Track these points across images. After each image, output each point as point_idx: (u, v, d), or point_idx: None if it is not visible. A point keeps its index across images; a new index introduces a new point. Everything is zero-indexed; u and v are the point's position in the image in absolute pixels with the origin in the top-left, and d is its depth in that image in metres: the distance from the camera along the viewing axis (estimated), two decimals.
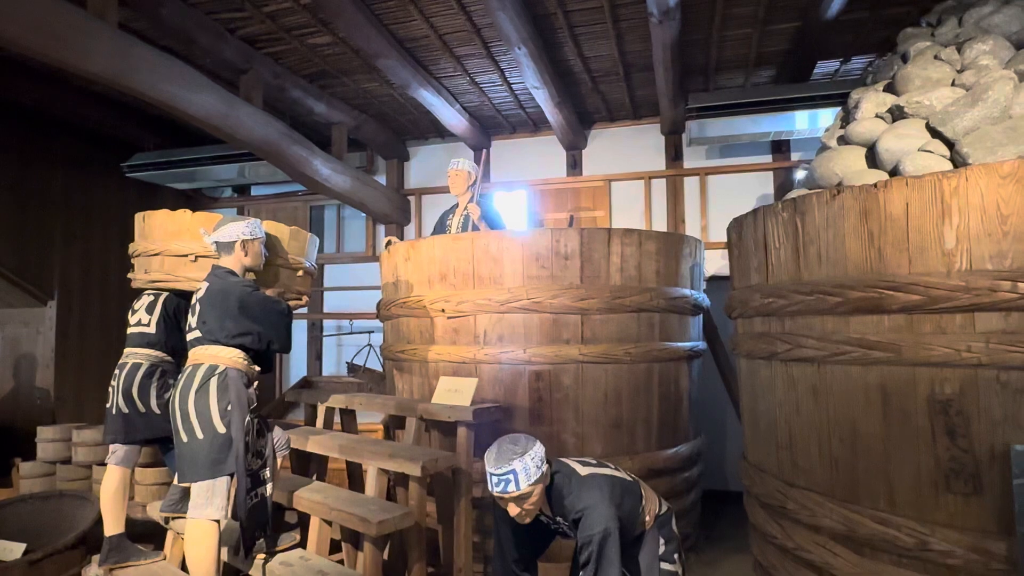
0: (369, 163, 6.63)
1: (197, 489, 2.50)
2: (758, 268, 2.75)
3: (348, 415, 3.85)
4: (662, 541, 2.26)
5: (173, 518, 3.06)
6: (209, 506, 2.49)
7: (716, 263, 5.44)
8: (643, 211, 5.84)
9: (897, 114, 2.65)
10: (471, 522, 3.09)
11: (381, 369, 5.48)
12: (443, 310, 3.59)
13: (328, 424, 3.82)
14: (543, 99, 4.88)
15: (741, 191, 5.62)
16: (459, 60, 4.66)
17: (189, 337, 2.71)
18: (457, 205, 4.34)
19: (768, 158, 5.64)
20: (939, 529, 2.02)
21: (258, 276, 2.90)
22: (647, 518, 2.20)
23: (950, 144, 2.38)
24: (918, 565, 2.08)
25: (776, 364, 2.63)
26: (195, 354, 2.64)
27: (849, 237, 2.28)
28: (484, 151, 4.73)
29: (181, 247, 2.96)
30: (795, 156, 5.53)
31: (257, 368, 2.73)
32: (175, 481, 2.97)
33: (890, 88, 2.86)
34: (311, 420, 3.96)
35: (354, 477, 3.82)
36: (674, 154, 5.84)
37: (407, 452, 2.93)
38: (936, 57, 2.71)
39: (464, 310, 3.52)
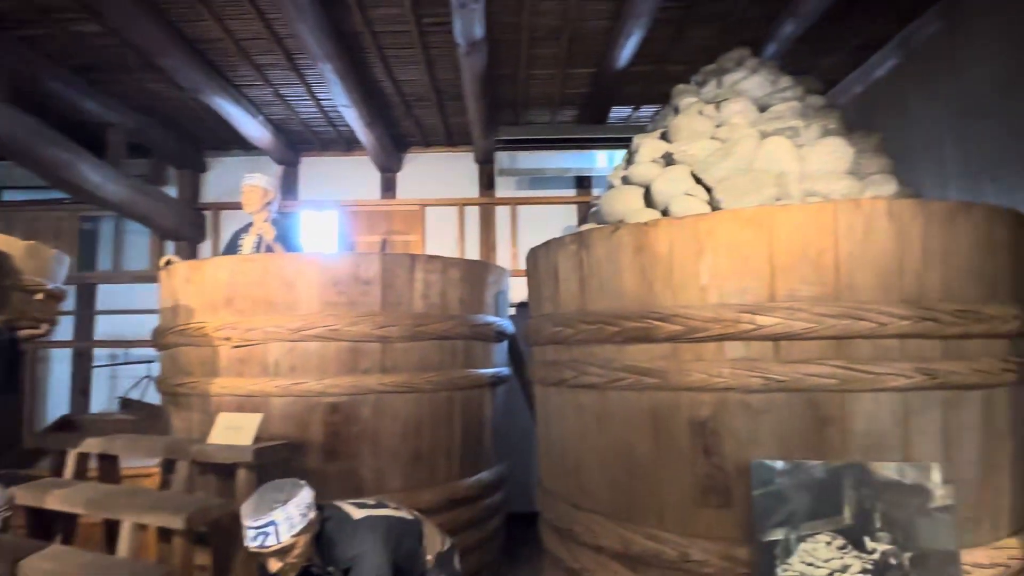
0: (156, 172, 5.92)
1: None
2: (550, 298, 2.85)
3: (108, 461, 3.31)
4: None
5: None
6: None
7: (524, 290, 5.63)
8: (457, 237, 5.88)
9: (669, 160, 2.92)
10: (253, 574, 2.79)
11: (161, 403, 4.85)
12: (228, 338, 3.25)
13: (81, 473, 3.26)
14: (353, 118, 4.73)
15: (549, 222, 5.89)
16: (260, 69, 4.36)
17: None
18: (252, 224, 4.01)
19: (573, 192, 6.00)
20: (697, 541, 2.19)
21: None
22: (428, 557, 2.13)
23: (709, 190, 2.67)
24: None
25: (565, 391, 2.73)
26: None
27: (626, 271, 2.44)
28: (282, 168, 4.43)
29: None
30: (596, 192, 5.94)
31: None
32: None
33: (664, 136, 3.16)
34: (58, 469, 3.34)
35: (116, 535, 3.28)
36: (487, 183, 5.99)
37: (172, 502, 2.57)
38: (700, 112, 3.05)
39: (252, 338, 3.22)
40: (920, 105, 3.84)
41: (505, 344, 4.19)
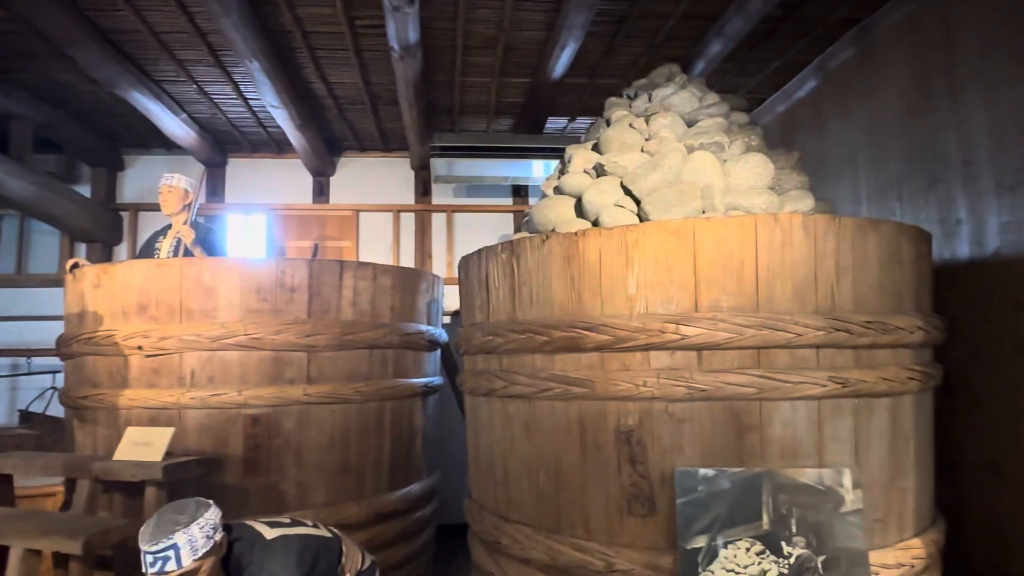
0: (69, 169, 5.56)
1: None
2: (481, 307, 2.81)
3: (1, 481, 3.04)
4: None
5: None
6: None
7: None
8: (391, 244, 5.78)
9: (600, 171, 2.95)
10: None
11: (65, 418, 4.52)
12: (140, 347, 3.06)
13: None
14: (283, 120, 4.58)
15: (485, 230, 5.87)
16: (182, 65, 4.15)
17: None
18: (171, 226, 3.81)
19: (509, 201, 6.01)
20: (623, 550, 2.20)
21: None
22: None
23: (638, 201, 2.71)
24: None
25: (495, 401, 2.70)
26: None
27: (555, 280, 2.44)
28: (205, 168, 4.23)
29: None
30: (532, 201, 5.98)
31: None
32: None
33: (596, 148, 3.19)
34: None
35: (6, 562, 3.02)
36: (423, 189, 5.93)
37: (68, 525, 2.37)
38: (630, 125, 3.09)
39: (167, 347, 3.05)
40: (836, 126, 4.04)
41: (438, 353, 4.13)
